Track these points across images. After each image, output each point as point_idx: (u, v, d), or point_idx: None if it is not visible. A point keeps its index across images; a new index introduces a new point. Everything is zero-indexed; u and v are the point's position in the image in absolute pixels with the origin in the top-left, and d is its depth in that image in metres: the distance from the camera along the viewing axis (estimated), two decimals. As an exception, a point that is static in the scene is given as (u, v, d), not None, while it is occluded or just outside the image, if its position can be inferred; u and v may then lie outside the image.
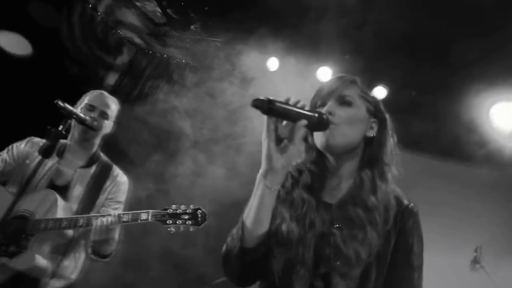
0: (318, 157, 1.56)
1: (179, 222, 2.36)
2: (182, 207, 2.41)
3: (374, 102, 1.57)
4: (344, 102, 1.50)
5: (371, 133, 1.53)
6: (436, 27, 4.16)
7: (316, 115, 1.40)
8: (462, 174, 4.68)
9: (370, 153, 1.52)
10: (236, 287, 1.53)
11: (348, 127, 1.47)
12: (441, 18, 4.15)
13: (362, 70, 4.59)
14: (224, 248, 1.48)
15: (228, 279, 1.53)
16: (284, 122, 1.38)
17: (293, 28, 4.44)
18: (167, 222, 2.37)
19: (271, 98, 1.32)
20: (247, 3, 4.34)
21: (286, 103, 1.36)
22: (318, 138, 1.49)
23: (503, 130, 4.37)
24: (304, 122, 1.35)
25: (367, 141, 1.53)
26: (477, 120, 4.40)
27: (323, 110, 1.47)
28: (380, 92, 4.72)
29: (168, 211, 2.40)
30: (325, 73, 4.95)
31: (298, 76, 4.71)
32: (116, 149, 4.18)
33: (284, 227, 1.43)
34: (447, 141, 4.63)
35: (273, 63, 5.00)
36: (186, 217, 2.37)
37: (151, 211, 2.42)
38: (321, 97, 1.53)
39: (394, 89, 4.74)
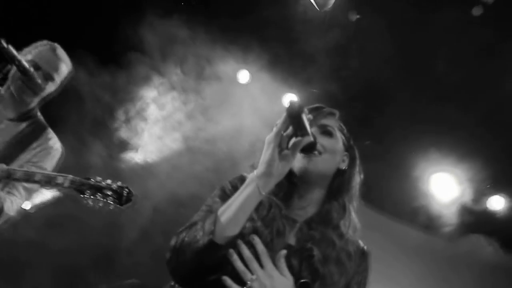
0: (287, 177, 1.42)
1: (99, 196, 2.00)
2: (108, 181, 2.06)
3: (347, 136, 1.57)
4: (325, 131, 1.49)
5: (343, 166, 1.52)
6: (403, 85, 4.14)
7: (312, 138, 1.33)
8: (392, 229, 4.60)
9: (339, 184, 1.51)
10: (179, 284, 1.42)
11: (329, 157, 1.47)
12: (409, 78, 4.16)
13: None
14: (178, 241, 1.34)
15: (173, 274, 1.37)
16: (286, 132, 1.30)
17: (275, 48, 4.28)
18: (86, 192, 2.00)
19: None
20: (243, 10, 4.13)
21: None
22: (297, 162, 1.43)
23: (439, 197, 4.35)
24: (310, 139, 1.29)
25: (337, 173, 1.52)
26: (418, 183, 4.38)
27: None
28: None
29: (90, 181, 2.03)
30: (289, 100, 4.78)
31: (264, 94, 4.54)
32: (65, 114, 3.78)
33: (249, 224, 1.35)
34: (385, 196, 4.57)
35: (243, 76, 4.77)
36: (109, 192, 2.00)
37: (70, 176, 2.04)
38: None
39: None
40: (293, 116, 1.27)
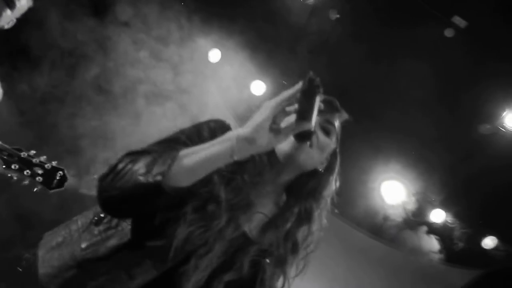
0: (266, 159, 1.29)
1: (27, 172, 1.68)
2: (42, 158, 1.75)
3: (337, 143, 1.39)
4: (326, 128, 1.31)
5: (320, 168, 1.34)
6: (371, 91, 4.05)
7: (313, 128, 1.10)
8: (343, 230, 4.55)
9: (313, 187, 1.33)
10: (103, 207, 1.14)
11: (317, 154, 1.28)
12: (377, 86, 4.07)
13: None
14: (122, 162, 1.10)
15: (102, 193, 1.11)
16: (288, 107, 1.10)
17: (253, 32, 4.03)
18: (12, 166, 1.68)
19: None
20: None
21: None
22: (285, 144, 1.24)
23: (388, 202, 4.35)
24: (310, 127, 1.07)
25: (312, 173, 1.33)
26: (370, 188, 4.34)
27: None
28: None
29: (21, 154, 1.71)
30: (258, 87, 4.57)
31: (233, 77, 4.30)
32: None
33: (212, 207, 1.15)
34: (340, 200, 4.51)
35: (215, 55, 4.47)
36: (40, 171, 1.70)
37: None
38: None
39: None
40: (307, 94, 1.06)
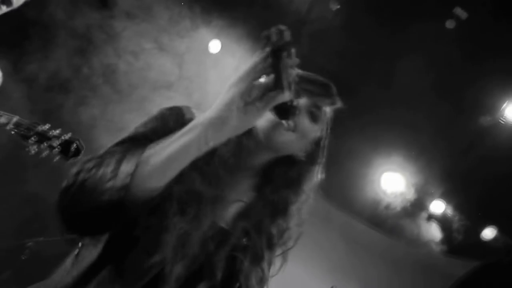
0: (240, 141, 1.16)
1: (44, 144, 1.72)
2: (57, 131, 1.78)
3: (326, 133, 1.25)
4: (313, 114, 1.17)
5: (301, 156, 1.20)
6: (370, 83, 4.08)
7: (289, 98, 0.95)
8: (343, 221, 4.58)
9: (292, 177, 1.19)
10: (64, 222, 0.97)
11: (297, 139, 1.15)
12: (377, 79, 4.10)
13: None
14: (82, 174, 0.95)
15: (62, 209, 0.96)
16: (262, 79, 0.93)
17: (253, 22, 4.04)
18: (30, 139, 1.71)
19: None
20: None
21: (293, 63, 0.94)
22: (263, 121, 1.12)
23: (388, 193, 4.41)
24: (286, 97, 0.93)
25: (291, 161, 1.20)
26: (370, 179, 4.38)
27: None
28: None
29: (37, 128, 1.74)
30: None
31: (234, 67, 4.33)
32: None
33: (192, 209, 1.04)
34: (335, 189, 4.54)
35: (214, 46, 4.48)
36: (56, 143, 1.73)
37: (16, 117, 1.74)
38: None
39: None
40: (276, 55, 0.90)
